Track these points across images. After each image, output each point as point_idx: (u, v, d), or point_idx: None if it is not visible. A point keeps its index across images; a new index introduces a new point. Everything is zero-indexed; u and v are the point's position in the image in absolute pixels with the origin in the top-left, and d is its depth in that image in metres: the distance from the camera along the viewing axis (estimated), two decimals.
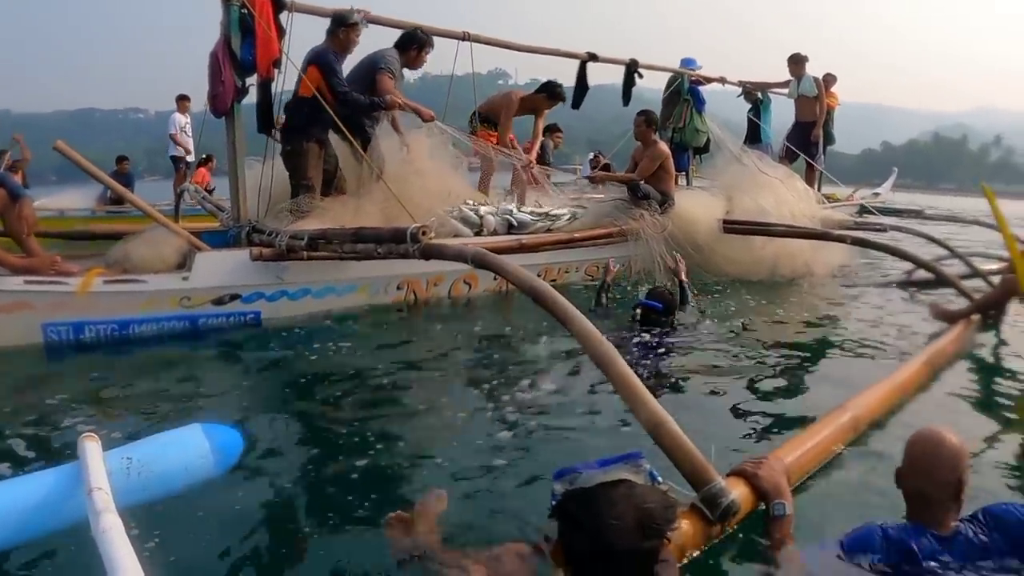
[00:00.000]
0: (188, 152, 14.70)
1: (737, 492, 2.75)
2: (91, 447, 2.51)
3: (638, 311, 6.12)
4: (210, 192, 11.95)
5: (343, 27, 7.17)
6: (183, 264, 6.26)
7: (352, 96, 7.12)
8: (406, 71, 8.06)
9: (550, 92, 9.58)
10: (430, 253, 4.97)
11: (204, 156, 14.93)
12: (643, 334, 5.86)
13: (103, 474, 2.36)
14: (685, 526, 2.56)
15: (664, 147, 9.53)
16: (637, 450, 2.27)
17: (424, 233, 4.94)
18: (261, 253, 6.15)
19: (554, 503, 2.14)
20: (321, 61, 7.04)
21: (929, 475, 2.51)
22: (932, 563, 2.41)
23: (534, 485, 3.39)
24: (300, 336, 6.05)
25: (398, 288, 7.11)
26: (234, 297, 6.23)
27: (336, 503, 3.26)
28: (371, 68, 7.46)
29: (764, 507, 2.85)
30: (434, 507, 2.70)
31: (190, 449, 2.74)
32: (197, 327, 6.09)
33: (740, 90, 14.33)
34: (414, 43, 7.77)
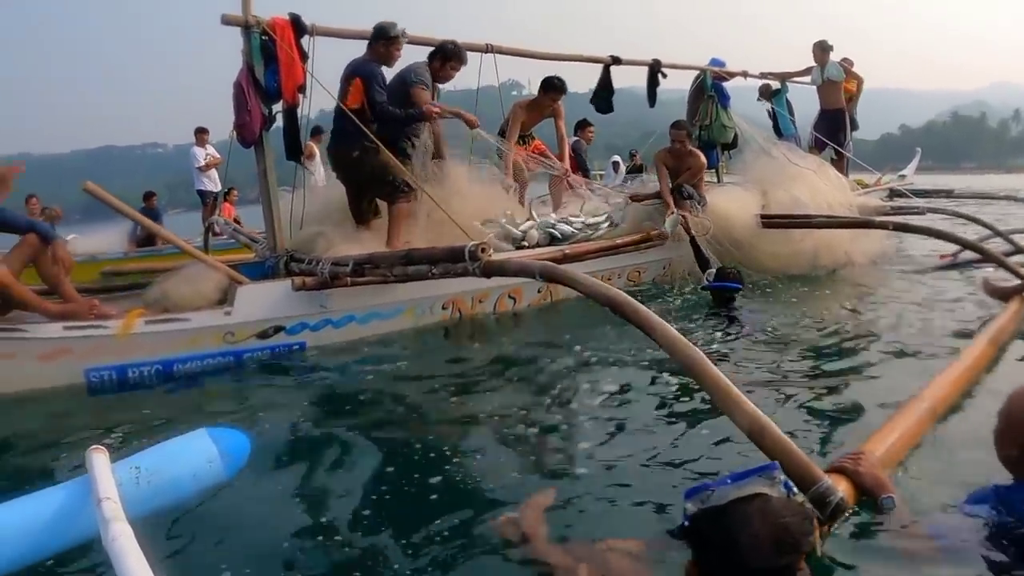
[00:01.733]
0: (216, 185, 14.64)
1: (842, 489, 2.67)
2: (98, 459, 2.52)
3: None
4: (238, 223, 11.87)
5: (383, 40, 7.03)
6: (223, 299, 6.10)
7: (388, 109, 6.91)
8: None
9: (543, 86, 9.40)
10: (492, 270, 4.80)
11: (226, 190, 14.85)
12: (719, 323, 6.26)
13: (112, 484, 2.35)
14: None
15: (702, 157, 9.46)
16: (772, 462, 2.19)
17: (483, 250, 4.78)
18: (304, 283, 5.98)
19: (686, 523, 2.03)
20: (364, 72, 6.89)
21: None
22: None
23: (625, 493, 3.30)
24: (348, 363, 5.90)
25: (443, 308, 6.97)
26: (278, 329, 6.08)
27: (397, 522, 3.17)
28: (402, 84, 7.26)
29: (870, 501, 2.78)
30: (542, 502, 2.69)
31: (197, 454, 2.75)
32: (242, 362, 5.94)
33: (760, 86, 14.27)
34: (439, 55, 7.59)
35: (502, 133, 9.25)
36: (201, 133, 14.93)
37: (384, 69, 7.15)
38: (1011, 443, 2.49)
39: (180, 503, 2.64)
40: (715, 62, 12.30)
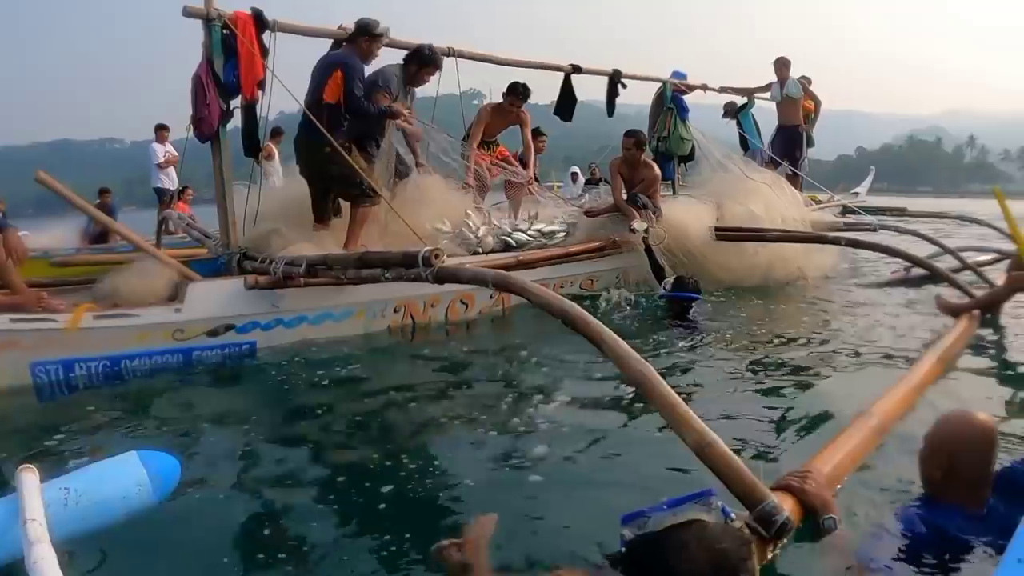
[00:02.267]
0: (173, 183, 14.51)
1: (787, 508, 2.69)
2: (28, 479, 2.50)
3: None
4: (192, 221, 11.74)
5: (367, 36, 6.99)
6: (174, 296, 6.03)
7: (364, 105, 6.86)
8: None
9: (508, 90, 9.45)
10: (445, 277, 4.77)
11: (180, 188, 14.71)
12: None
13: (39, 505, 2.34)
14: None
15: (657, 170, 9.50)
16: (709, 488, 2.18)
17: (437, 256, 4.75)
18: (256, 281, 5.93)
19: (623, 549, 2.05)
20: (347, 64, 6.80)
21: (988, 455, 2.58)
22: (970, 540, 2.46)
23: (574, 508, 3.31)
24: (298, 365, 5.84)
25: (395, 311, 6.92)
26: (228, 327, 6.01)
27: (340, 534, 3.15)
28: (372, 86, 7.25)
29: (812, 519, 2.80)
30: (485, 529, 2.59)
31: (127, 477, 2.71)
32: (191, 360, 5.87)
33: (724, 104, 14.42)
34: (415, 60, 7.60)
35: (468, 136, 9.30)
36: (161, 130, 14.77)
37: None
38: (935, 466, 2.57)
39: (108, 525, 2.61)
40: (677, 74, 12.34)
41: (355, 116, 6.90)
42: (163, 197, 14.34)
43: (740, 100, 14.44)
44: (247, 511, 3.39)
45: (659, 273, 7.89)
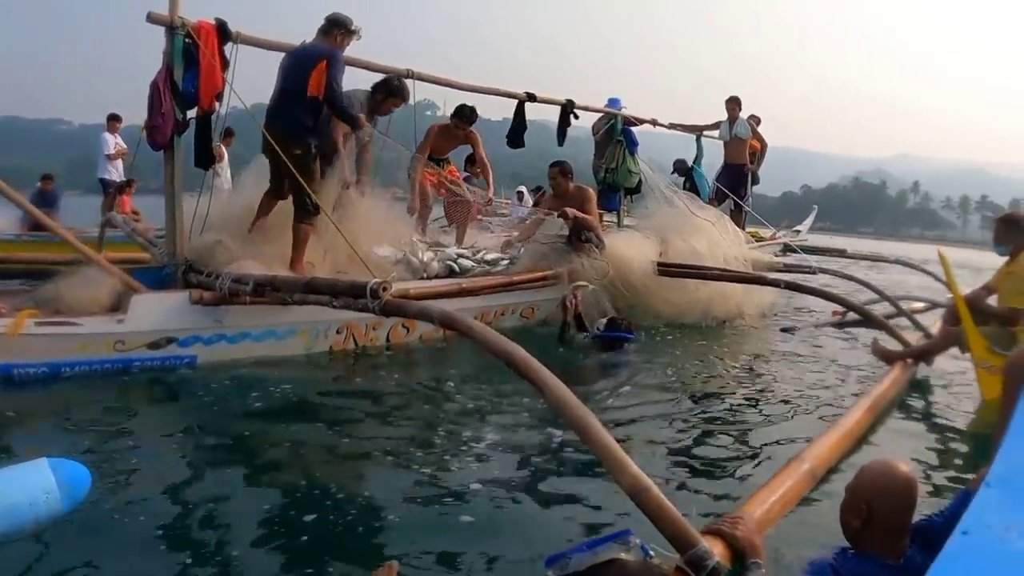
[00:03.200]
0: (120, 175, 14.30)
1: (718, 552, 2.77)
2: None
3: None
4: (138, 219, 11.60)
5: (342, 30, 6.92)
6: (117, 305, 6.00)
7: (343, 104, 6.80)
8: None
9: (455, 113, 9.41)
10: (391, 310, 4.83)
11: (124, 181, 14.49)
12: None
13: None
14: None
15: (590, 191, 9.49)
16: (627, 528, 2.31)
17: (385, 289, 4.78)
18: (202, 296, 5.95)
19: None
20: (333, 57, 6.67)
21: (906, 505, 2.60)
22: None
23: (502, 547, 3.36)
24: (236, 384, 5.80)
25: (338, 332, 6.93)
26: (170, 341, 5.99)
27: (257, 556, 3.16)
28: None
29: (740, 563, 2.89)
30: None
31: (35, 484, 2.67)
32: (130, 370, 5.83)
33: (674, 161, 14.75)
34: (383, 89, 7.72)
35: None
36: (113, 120, 14.53)
37: None
38: (854, 515, 2.61)
39: (15, 533, 2.59)
40: (613, 102, 12.46)
41: (332, 109, 6.78)
42: (108, 189, 14.14)
43: (691, 153, 14.70)
44: (162, 526, 3.38)
45: (583, 328, 7.59)
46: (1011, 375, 2.89)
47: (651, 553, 2.21)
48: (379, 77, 8.00)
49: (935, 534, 2.62)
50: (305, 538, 3.35)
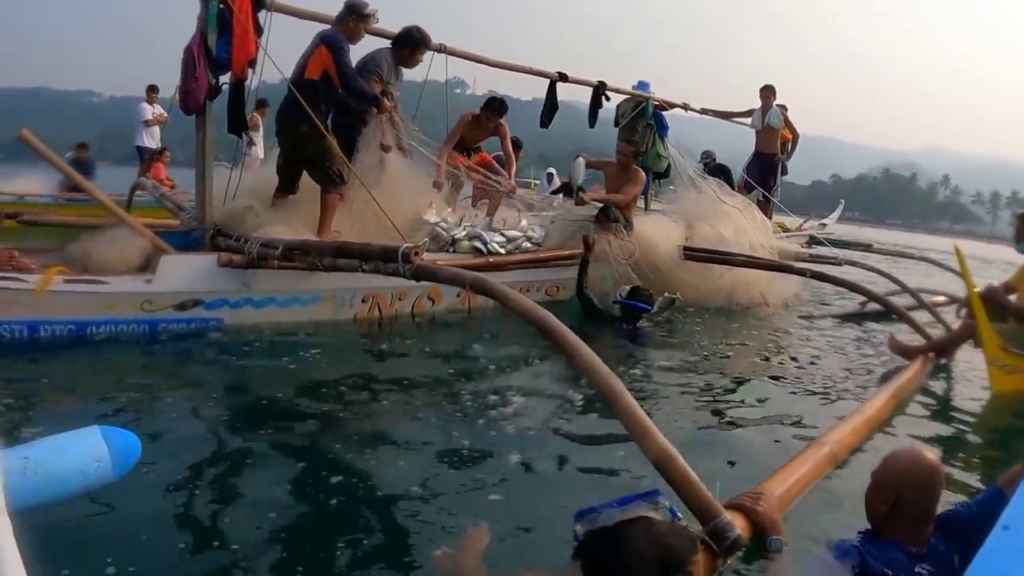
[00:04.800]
0: (156, 143, 14.56)
1: (739, 526, 2.81)
2: None
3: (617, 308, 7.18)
4: (173, 187, 11.72)
5: (355, 16, 6.99)
6: (145, 266, 6.04)
7: (359, 84, 6.96)
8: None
9: (485, 104, 9.63)
10: (423, 274, 4.85)
11: (159, 148, 14.69)
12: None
13: None
14: None
15: (643, 175, 9.71)
16: (656, 487, 2.33)
17: (417, 253, 4.80)
18: (231, 260, 5.96)
19: (576, 544, 2.15)
20: (333, 43, 6.79)
21: (933, 493, 2.60)
22: None
23: (536, 512, 3.37)
24: (262, 348, 5.85)
25: (363, 301, 6.96)
26: (197, 303, 6.02)
27: (293, 529, 3.16)
28: (363, 72, 7.32)
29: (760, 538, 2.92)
30: (479, 541, 2.71)
31: (87, 451, 2.64)
32: (157, 332, 5.87)
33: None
34: (407, 43, 7.70)
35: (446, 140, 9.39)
36: (151, 91, 14.81)
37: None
38: (880, 500, 2.60)
39: (64, 499, 2.62)
40: (642, 85, 12.43)
41: (349, 95, 6.96)
42: (144, 156, 14.38)
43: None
44: (196, 493, 3.42)
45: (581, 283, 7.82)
46: None
47: (679, 515, 2.23)
48: None
49: (961, 524, 2.65)
50: (333, 502, 3.36)
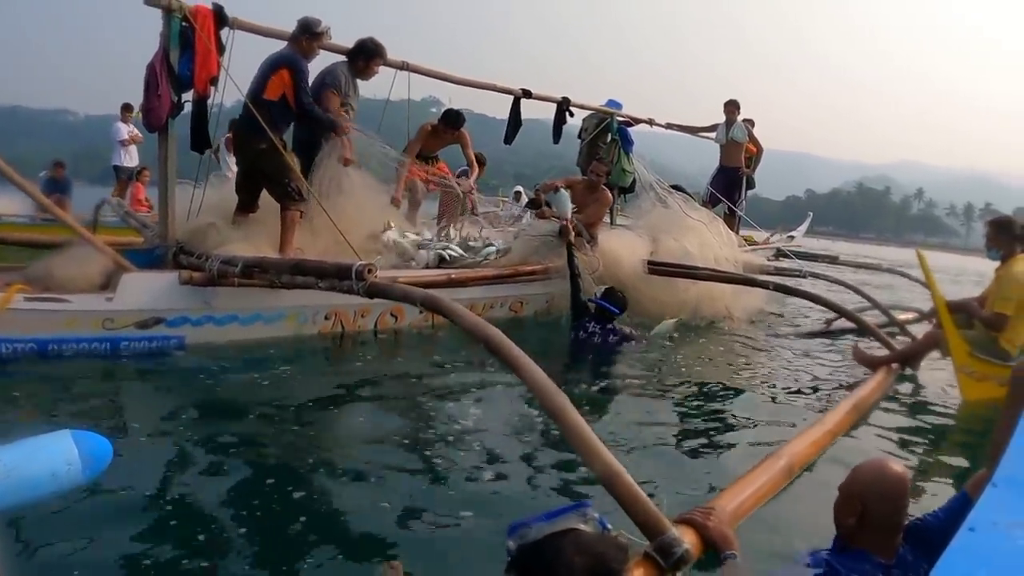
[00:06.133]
0: (134, 161, 14.60)
1: (688, 541, 2.80)
2: None
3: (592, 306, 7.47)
4: (151, 208, 11.76)
5: (308, 35, 7.02)
6: (107, 284, 6.04)
7: (317, 112, 7.06)
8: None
9: (443, 117, 10.10)
10: (376, 292, 4.85)
11: (139, 168, 14.69)
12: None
13: None
14: (639, 574, 2.61)
15: (610, 197, 9.97)
16: (585, 500, 2.35)
17: (370, 271, 4.83)
18: (192, 277, 5.99)
19: (509, 559, 2.15)
20: (294, 66, 6.89)
21: (900, 504, 2.62)
22: None
23: (481, 530, 3.38)
24: (225, 365, 5.85)
25: (326, 318, 6.98)
26: (158, 321, 6.03)
27: (251, 544, 3.19)
28: (321, 87, 7.40)
29: (713, 553, 2.90)
30: None
31: (58, 454, 2.67)
32: (119, 350, 5.87)
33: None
34: (362, 54, 7.74)
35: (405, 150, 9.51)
36: (126, 110, 14.77)
37: None
38: (848, 512, 2.63)
39: (34, 502, 2.65)
40: (612, 103, 12.52)
41: (305, 118, 7.06)
42: (121, 175, 14.37)
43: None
44: (150, 511, 3.41)
45: (577, 303, 7.93)
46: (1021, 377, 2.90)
47: (608, 526, 2.27)
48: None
49: (929, 533, 2.68)
50: (295, 521, 3.38)
